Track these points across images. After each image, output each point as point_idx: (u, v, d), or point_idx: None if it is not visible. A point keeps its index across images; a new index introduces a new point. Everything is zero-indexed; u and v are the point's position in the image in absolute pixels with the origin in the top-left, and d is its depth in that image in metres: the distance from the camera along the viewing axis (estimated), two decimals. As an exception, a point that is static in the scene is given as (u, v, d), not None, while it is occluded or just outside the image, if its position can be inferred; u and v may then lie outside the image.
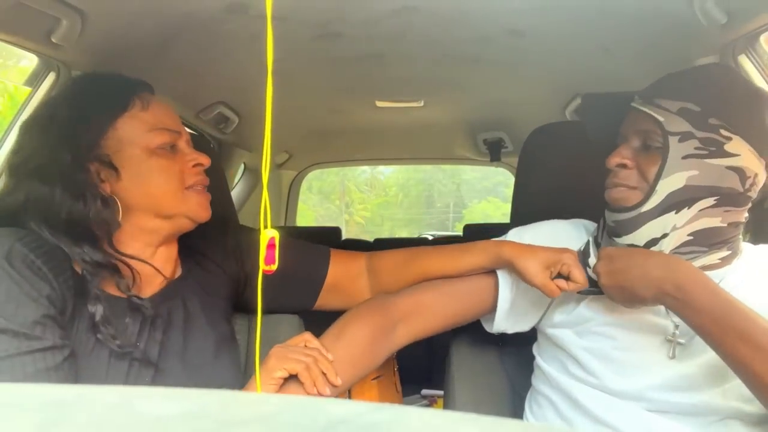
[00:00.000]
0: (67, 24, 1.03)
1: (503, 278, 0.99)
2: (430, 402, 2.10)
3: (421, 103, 2.00)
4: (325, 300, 1.06)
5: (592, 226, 1.02)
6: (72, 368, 0.75)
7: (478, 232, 3.09)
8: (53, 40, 1.05)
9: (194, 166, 0.89)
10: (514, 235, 1.04)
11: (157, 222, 0.86)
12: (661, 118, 0.84)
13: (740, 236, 0.90)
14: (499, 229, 1.16)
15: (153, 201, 0.85)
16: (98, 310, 0.79)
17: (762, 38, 1.13)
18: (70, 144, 0.81)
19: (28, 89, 1.24)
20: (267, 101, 0.53)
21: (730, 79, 0.88)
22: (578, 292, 0.92)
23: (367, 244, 3.29)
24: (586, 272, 0.90)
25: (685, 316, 0.80)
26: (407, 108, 2.04)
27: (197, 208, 0.88)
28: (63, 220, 0.79)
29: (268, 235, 0.68)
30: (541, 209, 1.09)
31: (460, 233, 3.22)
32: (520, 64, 1.51)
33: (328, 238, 3.16)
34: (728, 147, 0.82)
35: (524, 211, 1.25)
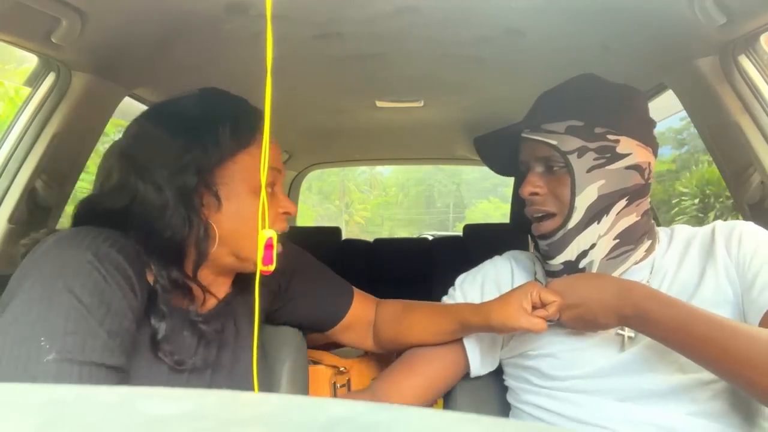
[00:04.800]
0: (67, 24, 1.03)
1: (469, 343, 1.03)
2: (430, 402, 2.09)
3: (421, 103, 2.00)
4: (335, 332, 1.09)
5: (521, 255, 1.10)
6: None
7: (478, 232, 3.12)
8: (53, 40, 1.05)
9: (282, 213, 0.89)
10: (461, 281, 1.10)
11: (231, 260, 0.85)
12: (554, 142, 0.90)
13: (654, 224, 0.98)
14: (499, 229, 1.16)
15: (239, 240, 0.83)
16: (161, 327, 0.78)
17: (762, 38, 1.13)
18: (198, 164, 0.78)
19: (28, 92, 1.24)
20: (266, 101, 0.53)
21: (596, 86, 0.95)
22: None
23: (367, 244, 3.29)
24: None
25: (649, 332, 0.84)
26: (407, 108, 2.04)
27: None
28: (164, 238, 0.77)
29: (266, 235, 0.68)
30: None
31: (460, 233, 3.22)
32: (520, 63, 1.51)
33: (328, 238, 3.16)
34: (619, 149, 0.90)
35: (523, 211, 1.25)
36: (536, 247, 0.99)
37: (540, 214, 0.94)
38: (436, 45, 1.38)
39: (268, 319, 1.06)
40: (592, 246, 0.90)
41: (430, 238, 3.77)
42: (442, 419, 0.25)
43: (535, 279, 1.03)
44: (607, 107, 0.92)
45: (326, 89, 1.84)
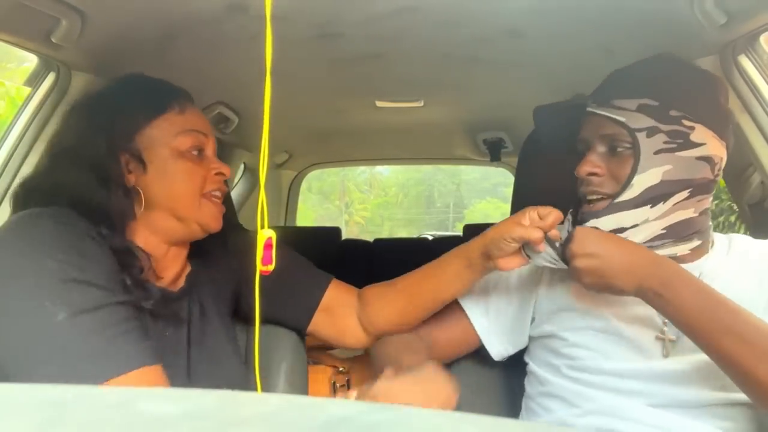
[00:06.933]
0: (67, 24, 1.03)
1: (469, 306, 1.00)
2: (430, 402, 2.09)
3: (421, 103, 1.99)
4: (317, 322, 1.06)
5: None
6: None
7: (478, 232, 3.10)
8: (53, 40, 1.05)
9: (216, 174, 0.93)
10: None
11: (172, 222, 0.90)
12: (622, 119, 0.84)
13: (711, 225, 0.90)
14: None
15: (171, 200, 0.89)
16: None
17: (762, 38, 1.13)
18: (107, 134, 0.86)
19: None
20: (266, 101, 0.53)
21: (679, 69, 0.89)
22: (548, 266, 0.88)
23: (367, 244, 3.28)
24: (557, 250, 0.86)
25: (667, 313, 0.79)
26: (407, 108, 2.04)
27: (209, 218, 0.92)
28: (85, 203, 0.83)
29: (265, 235, 0.68)
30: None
31: (460, 233, 3.22)
32: (520, 64, 1.51)
33: (327, 238, 3.16)
34: (693, 137, 0.83)
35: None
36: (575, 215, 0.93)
37: (596, 197, 0.88)
38: (436, 45, 1.38)
39: (236, 313, 1.06)
40: (634, 226, 0.84)
41: (430, 238, 3.77)
42: (442, 419, 0.25)
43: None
44: (686, 90, 0.85)
45: (326, 89, 1.84)
